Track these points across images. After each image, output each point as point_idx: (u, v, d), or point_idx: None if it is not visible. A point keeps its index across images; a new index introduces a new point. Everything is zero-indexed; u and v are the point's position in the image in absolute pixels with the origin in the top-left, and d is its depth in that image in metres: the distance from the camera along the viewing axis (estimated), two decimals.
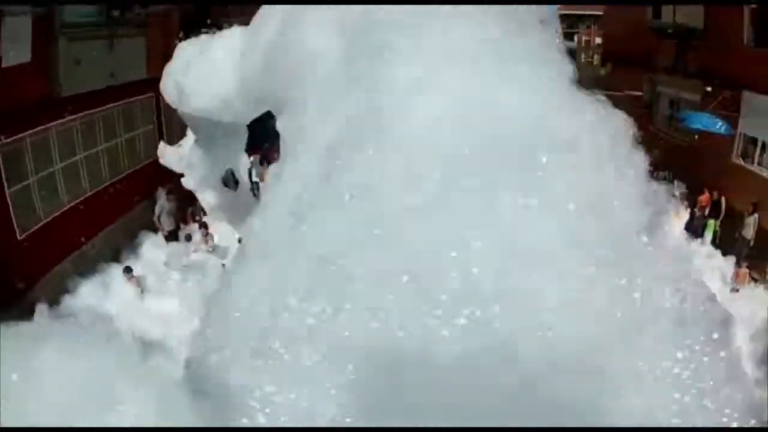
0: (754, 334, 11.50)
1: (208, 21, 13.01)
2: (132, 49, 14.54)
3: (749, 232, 13.99)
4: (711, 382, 3.65)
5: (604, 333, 3.59)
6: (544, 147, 4.07)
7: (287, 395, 3.76)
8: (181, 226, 15.49)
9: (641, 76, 19.88)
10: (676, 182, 15.98)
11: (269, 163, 17.39)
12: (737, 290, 12.95)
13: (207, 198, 11.27)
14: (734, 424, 3.60)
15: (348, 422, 3.58)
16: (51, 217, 12.67)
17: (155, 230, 15.06)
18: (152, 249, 14.46)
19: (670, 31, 17.50)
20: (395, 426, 3.45)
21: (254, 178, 16.11)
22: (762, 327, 11.73)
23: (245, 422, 3.74)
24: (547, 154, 4.03)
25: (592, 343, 3.53)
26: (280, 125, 6.26)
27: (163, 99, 9.76)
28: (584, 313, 3.59)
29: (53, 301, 11.37)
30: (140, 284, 12.36)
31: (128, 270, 12.42)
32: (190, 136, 10.67)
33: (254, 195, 12.71)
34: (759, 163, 14.78)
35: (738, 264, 13.63)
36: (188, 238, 14.50)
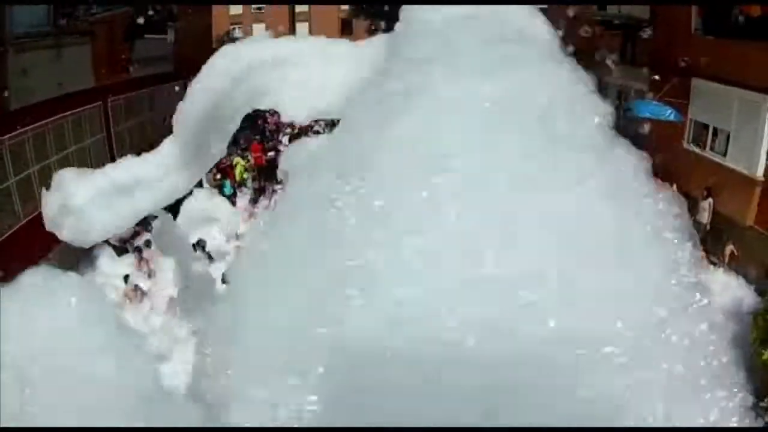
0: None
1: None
2: (79, 58, 14.23)
3: (704, 216, 14.22)
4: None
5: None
6: None
7: None
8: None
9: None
10: None
11: (218, 169, 17.46)
12: None
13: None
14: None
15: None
16: (9, 233, 12.38)
17: (108, 242, 14.56)
18: (108, 261, 14.24)
19: (616, 22, 17.67)
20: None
21: (205, 185, 16.53)
22: (725, 309, 11.92)
23: None
24: None
25: None
26: None
27: (111, 108, 9.45)
28: None
29: None
30: None
31: None
32: None
33: None
34: (711, 149, 15.00)
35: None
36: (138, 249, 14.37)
